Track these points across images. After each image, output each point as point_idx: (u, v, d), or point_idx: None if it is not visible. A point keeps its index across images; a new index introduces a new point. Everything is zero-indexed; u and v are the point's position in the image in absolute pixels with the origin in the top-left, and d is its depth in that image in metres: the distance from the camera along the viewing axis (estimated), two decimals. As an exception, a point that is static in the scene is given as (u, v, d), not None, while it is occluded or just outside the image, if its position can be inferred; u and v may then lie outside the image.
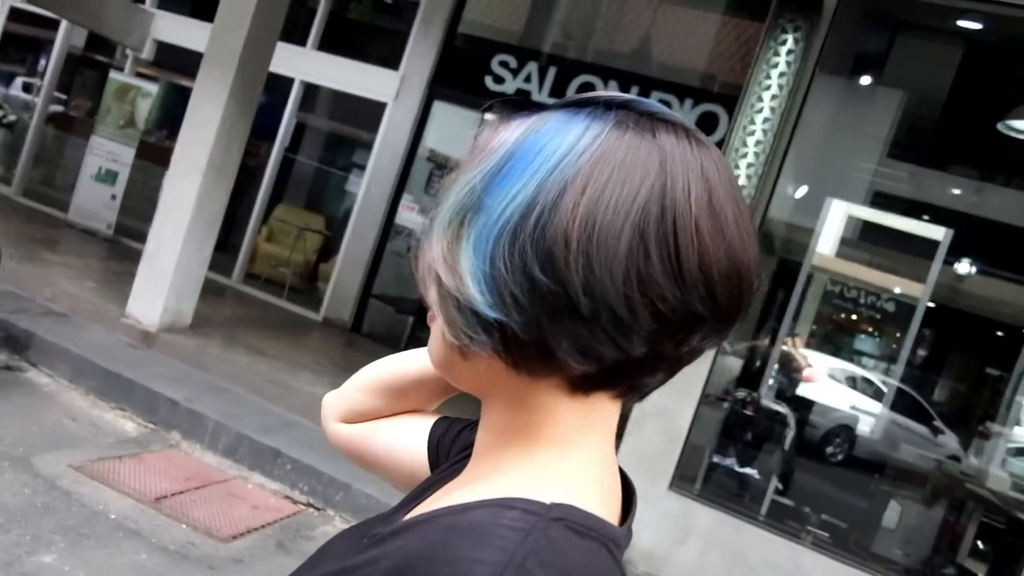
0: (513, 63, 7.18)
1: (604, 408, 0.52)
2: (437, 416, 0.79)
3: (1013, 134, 6.12)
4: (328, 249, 8.99)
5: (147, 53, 8.92)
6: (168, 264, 5.05)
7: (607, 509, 0.50)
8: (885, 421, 5.65)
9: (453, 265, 0.49)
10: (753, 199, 3.66)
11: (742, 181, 3.64)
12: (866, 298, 4.86)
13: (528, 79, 7.11)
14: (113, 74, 8.67)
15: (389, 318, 7.92)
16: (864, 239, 6.28)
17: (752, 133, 3.65)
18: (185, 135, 5.11)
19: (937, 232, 5.85)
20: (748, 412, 3.92)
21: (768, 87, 3.60)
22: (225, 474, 4.00)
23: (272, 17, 5.15)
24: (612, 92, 0.53)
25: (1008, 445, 5.41)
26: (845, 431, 5.19)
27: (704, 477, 4.01)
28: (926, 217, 6.25)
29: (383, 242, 7.58)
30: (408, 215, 7.61)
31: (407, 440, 0.77)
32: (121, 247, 8.20)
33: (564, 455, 0.51)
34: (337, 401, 0.83)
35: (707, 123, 6.53)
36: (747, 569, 3.70)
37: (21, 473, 3.31)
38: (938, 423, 6.08)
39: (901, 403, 6.16)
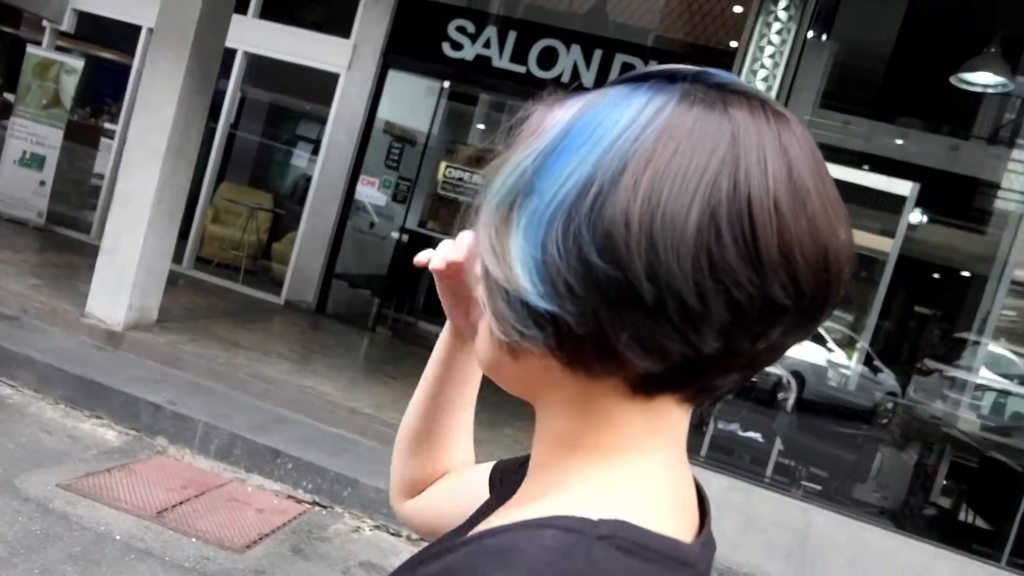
0: (471, 28, 6.95)
1: (671, 414, 0.47)
2: (493, 463, 0.72)
3: (965, 87, 6.31)
4: (280, 228, 8.65)
5: (67, 25, 8.27)
6: (130, 258, 4.73)
7: (676, 523, 0.45)
8: (860, 374, 5.86)
9: (502, 254, 0.45)
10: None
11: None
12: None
13: (487, 45, 6.90)
14: (31, 49, 8.01)
15: (353, 297, 7.71)
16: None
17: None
18: (140, 119, 4.75)
19: (902, 186, 6.03)
20: (753, 379, 3.96)
21: (768, 52, 3.56)
22: (221, 478, 3.81)
23: (225, -13, 4.80)
24: (681, 65, 0.47)
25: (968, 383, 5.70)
26: (832, 387, 5.34)
27: (711, 445, 4.05)
28: (865, 167, 6.43)
29: (343, 219, 7.32)
30: (368, 191, 7.36)
31: (476, 490, 0.69)
32: (56, 237, 7.68)
33: (624, 465, 0.46)
34: (394, 480, 0.78)
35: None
36: (759, 531, 3.78)
37: (9, 498, 3.07)
38: (882, 366, 6.37)
39: (870, 354, 6.41)
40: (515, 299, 0.44)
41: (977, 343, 5.64)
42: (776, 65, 3.51)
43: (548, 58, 6.75)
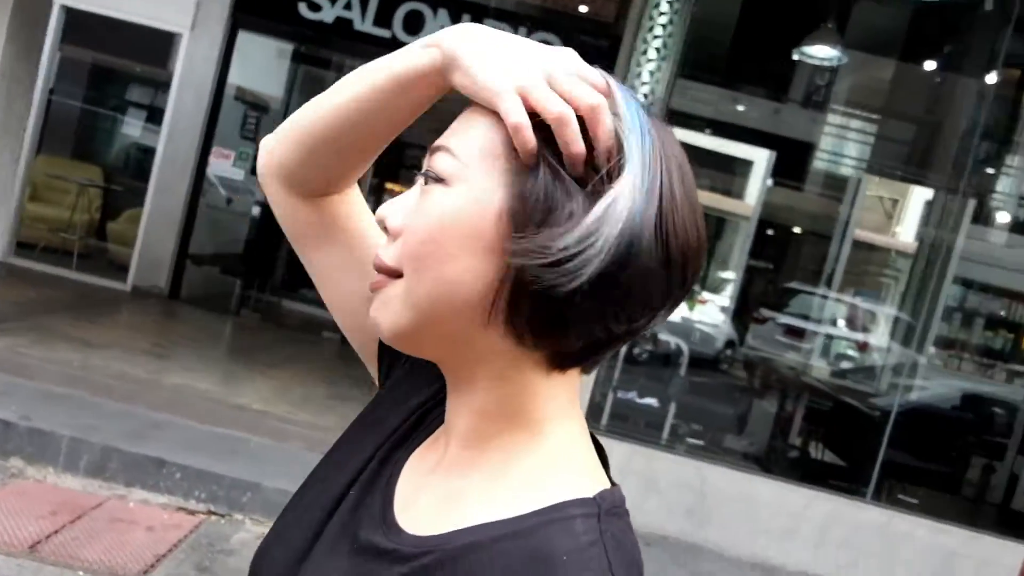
0: (329, -12, 6.52)
1: (577, 380, 0.54)
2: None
3: (805, 59, 6.81)
4: (114, 206, 7.80)
5: None
6: (-49, 251, 4.06)
7: (603, 472, 0.53)
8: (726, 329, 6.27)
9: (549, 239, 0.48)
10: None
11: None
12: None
13: (348, 6, 6.52)
14: None
15: (211, 280, 7.15)
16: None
17: (642, 74, 3.66)
18: (-50, 88, 4.04)
19: (755, 153, 6.45)
20: (648, 347, 4.12)
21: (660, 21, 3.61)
22: (97, 497, 3.42)
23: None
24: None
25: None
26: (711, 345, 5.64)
27: (613, 414, 4.18)
28: (708, 131, 6.84)
29: (195, 196, 6.72)
30: (222, 164, 6.79)
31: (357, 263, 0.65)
32: None
33: (566, 431, 0.52)
34: (277, 151, 0.65)
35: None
36: (659, 493, 3.96)
37: None
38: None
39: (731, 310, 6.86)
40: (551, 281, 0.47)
41: (825, 297, 6.21)
42: (669, 36, 3.57)
43: (414, 22, 6.50)
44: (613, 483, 0.52)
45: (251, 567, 0.60)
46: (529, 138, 0.48)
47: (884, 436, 3.99)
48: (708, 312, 9.47)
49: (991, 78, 5.93)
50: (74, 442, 3.52)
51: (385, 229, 0.52)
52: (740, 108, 7.11)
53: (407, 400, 0.61)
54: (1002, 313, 6.77)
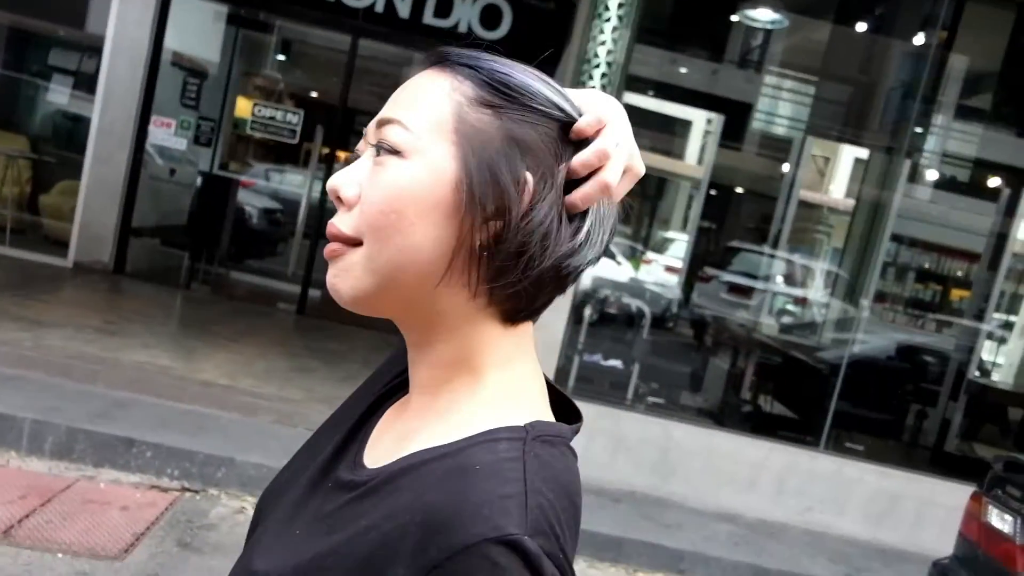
0: (269, -54, 6.29)
1: (528, 330, 0.60)
2: None
3: (749, 23, 6.94)
4: (44, 178, 7.43)
5: None
6: None
7: (549, 412, 0.59)
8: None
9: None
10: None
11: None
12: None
13: (290, -34, 6.30)
14: None
15: (157, 254, 6.93)
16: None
17: (603, 43, 3.69)
18: None
19: (700, 115, 6.54)
20: (611, 311, 4.22)
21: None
22: (65, 479, 3.34)
23: None
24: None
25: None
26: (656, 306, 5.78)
27: (580, 377, 4.28)
28: (652, 93, 6.95)
29: (136, 167, 6.46)
30: (162, 133, 6.53)
31: None
32: None
33: (511, 375, 0.57)
34: None
35: (492, 16, 6.41)
36: (627, 450, 4.11)
37: None
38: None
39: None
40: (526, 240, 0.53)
41: (772, 256, 6.43)
42: (629, 3, 3.60)
43: (358, -16, 6.33)
44: (568, 423, 0.58)
45: (258, 501, 0.69)
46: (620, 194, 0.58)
47: (835, 389, 4.22)
48: (656, 273, 9.69)
49: (919, 39, 6.19)
50: (37, 424, 3.42)
51: (339, 199, 0.55)
52: (683, 71, 7.22)
53: (401, 362, 0.66)
54: (931, 267, 7.16)
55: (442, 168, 0.52)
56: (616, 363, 4.35)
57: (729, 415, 5.10)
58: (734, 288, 8.51)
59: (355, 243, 0.54)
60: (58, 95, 8.39)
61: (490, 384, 0.56)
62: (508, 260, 0.53)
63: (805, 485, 4.03)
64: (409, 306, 0.56)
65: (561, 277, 0.55)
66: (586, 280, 4.70)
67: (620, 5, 3.63)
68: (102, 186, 6.34)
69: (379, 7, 6.35)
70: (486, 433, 0.52)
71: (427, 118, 0.53)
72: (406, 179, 0.52)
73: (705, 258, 8.40)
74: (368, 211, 0.53)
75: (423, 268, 0.53)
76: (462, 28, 6.37)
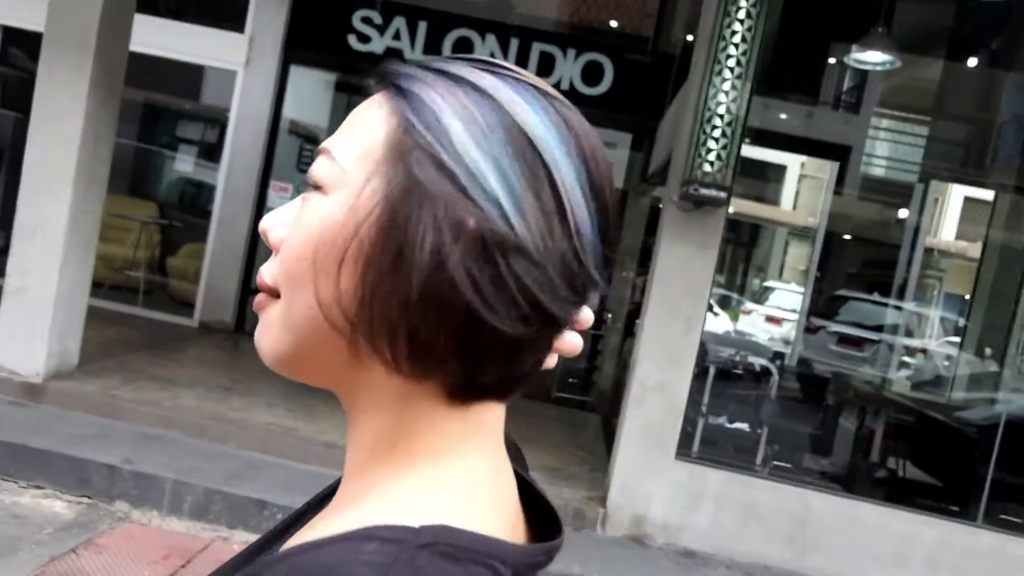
0: (378, 19, 6.59)
1: (492, 412, 0.47)
2: None
3: (856, 65, 6.74)
4: (171, 241, 7.92)
5: None
6: (44, 298, 4.13)
7: (501, 521, 0.45)
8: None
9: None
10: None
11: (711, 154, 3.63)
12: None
13: (397, 36, 6.58)
14: None
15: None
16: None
17: (721, 97, 3.63)
18: (37, 136, 4.12)
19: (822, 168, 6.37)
20: (737, 371, 4.07)
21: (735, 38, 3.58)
22: (201, 540, 3.44)
23: (129, -17, 4.25)
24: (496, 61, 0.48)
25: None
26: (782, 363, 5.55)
27: (704, 440, 4.12)
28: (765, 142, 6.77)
29: (256, 230, 6.78)
30: (279, 197, 6.86)
31: None
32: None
33: (443, 467, 0.45)
34: None
35: (594, 73, 6.48)
36: (759, 519, 3.89)
37: (-26, 609, 2.60)
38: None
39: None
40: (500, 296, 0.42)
41: (899, 308, 6.08)
42: (743, 55, 3.54)
43: (463, 48, 6.53)
44: (536, 540, 0.47)
45: None
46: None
47: (990, 454, 3.88)
48: (756, 324, 9.32)
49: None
50: (177, 485, 3.54)
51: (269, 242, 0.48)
52: (784, 116, 7.06)
53: None
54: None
55: (360, 206, 0.43)
56: (742, 425, 4.17)
57: (861, 481, 4.78)
58: (844, 339, 8.09)
59: (276, 294, 0.46)
60: (183, 163, 9.00)
61: (413, 475, 0.45)
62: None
63: (963, 563, 3.69)
64: (332, 373, 0.47)
65: (502, 345, 0.43)
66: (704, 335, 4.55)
67: (738, 60, 3.58)
68: (225, 249, 6.69)
69: (484, 69, 6.53)
70: (364, 530, 0.40)
71: (356, 145, 0.45)
72: (318, 219, 0.44)
73: (816, 307, 8.05)
74: (284, 258, 0.46)
75: (340, 328, 0.44)
76: (564, 85, 6.46)
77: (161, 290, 7.54)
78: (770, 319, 10.28)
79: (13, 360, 4.16)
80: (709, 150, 3.49)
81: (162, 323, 6.56)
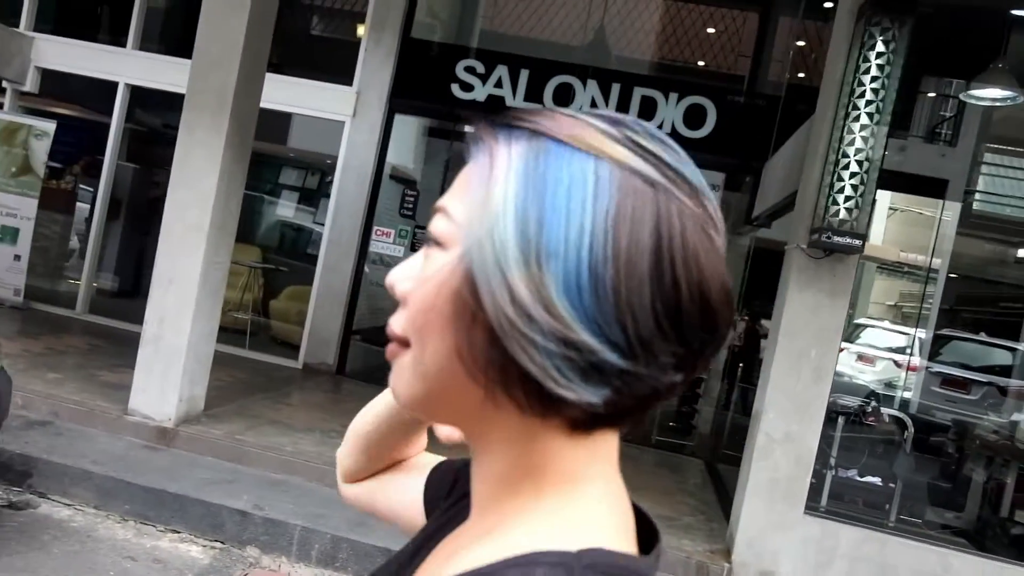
0: (480, 68, 6.76)
1: (607, 441, 0.50)
2: (435, 462, 0.77)
3: (973, 101, 6.48)
4: (274, 285, 8.22)
5: (30, 85, 7.69)
6: (177, 345, 4.33)
7: (628, 540, 0.49)
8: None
9: (545, 308, 0.43)
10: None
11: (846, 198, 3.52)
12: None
13: (499, 84, 6.72)
14: (-6, 113, 7.41)
15: (371, 355, 7.36)
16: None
17: (855, 140, 3.53)
18: (177, 193, 4.36)
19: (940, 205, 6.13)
20: (870, 423, 3.89)
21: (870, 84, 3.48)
22: (331, 587, 3.47)
23: (261, 47, 4.49)
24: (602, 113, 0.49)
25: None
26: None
27: (833, 494, 3.94)
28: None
29: (358, 274, 6.98)
30: (383, 242, 7.04)
31: (408, 495, 0.76)
32: (40, 316, 7.08)
33: (575, 494, 0.48)
34: (340, 462, 0.84)
35: (696, 116, 6.44)
36: (898, 582, 3.67)
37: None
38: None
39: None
40: (569, 354, 0.43)
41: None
42: (881, 100, 3.44)
43: (564, 95, 6.62)
44: (645, 551, 0.50)
45: None
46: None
47: None
48: (847, 362, 8.91)
49: None
50: (305, 531, 3.60)
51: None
52: (898, 156, 6.82)
53: (457, 491, 0.65)
54: None
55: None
56: (874, 479, 3.96)
57: (995, 537, 4.46)
58: (949, 381, 7.65)
59: (406, 343, 0.49)
60: (286, 209, 9.38)
61: (549, 503, 0.48)
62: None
63: None
64: (461, 414, 0.50)
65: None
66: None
67: (877, 107, 3.48)
68: (330, 293, 6.88)
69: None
70: (528, 556, 0.44)
71: (471, 202, 0.46)
72: (441, 274, 0.46)
73: (919, 346, 7.67)
74: (411, 309, 0.48)
75: (466, 375, 0.46)
76: (665, 129, 6.44)
77: (264, 332, 7.82)
78: (862, 358, 9.84)
79: (148, 405, 4.35)
80: (844, 197, 3.39)
81: (268, 365, 6.77)
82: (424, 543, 0.60)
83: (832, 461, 3.93)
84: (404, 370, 0.50)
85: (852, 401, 4.06)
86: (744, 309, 6.74)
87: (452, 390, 0.48)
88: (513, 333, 0.43)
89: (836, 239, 3.39)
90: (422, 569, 0.54)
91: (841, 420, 3.99)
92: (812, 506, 3.84)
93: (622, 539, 0.48)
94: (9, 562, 3.16)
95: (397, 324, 0.50)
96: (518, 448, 0.48)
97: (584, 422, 0.47)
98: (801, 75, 6.86)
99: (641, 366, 0.44)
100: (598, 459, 0.49)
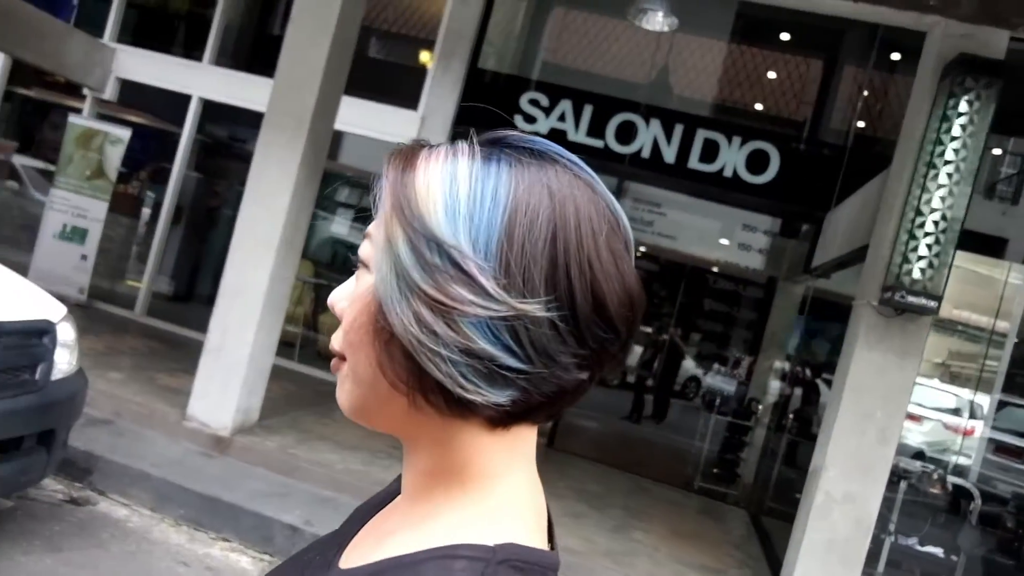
0: (544, 101, 6.84)
1: (525, 436, 0.54)
2: None
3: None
4: (323, 299, 8.35)
5: (109, 93, 8.00)
6: (239, 357, 4.41)
7: (540, 535, 0.53)
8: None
9: (446, 323, 0.48)
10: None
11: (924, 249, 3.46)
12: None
13: (562, 118, 6.79)
14: (74, 118, 7.71)
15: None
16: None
17: (932, 200, 3.48)
18: (250, 208, 4.48)
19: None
20: (934, 490, 3.79)
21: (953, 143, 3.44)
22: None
23: (340, 72, 4.62)
24: (504, 132, 0.55)
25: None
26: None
27: (891, 561, 3.82)
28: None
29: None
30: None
31: None
32: (102, 315, 7.29)
33: (496, 489, 0.52)
34: None
35: (758, 161, 6.42)
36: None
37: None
38: None
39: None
40: (472, 363, 0.48)
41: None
42: (963, 160, 3.39)
43: (627, 132, 6.66)
44: (552, 548, 0.54)
45: None
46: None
47: None
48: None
49: None
50: (354, 552, 3.61)
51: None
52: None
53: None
54: None
55: None
56: (935, 550, 3.84)
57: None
58: (1002, 449, 7.39)
59: (343, 358, 0.54)
60: (340, 227, 9.56)
61: (471, 497, 0.52)
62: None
63: None
64: (394, 422, 0.54)
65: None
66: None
67: (956, 166, 3.44)
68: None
69: (645, 152, 6.60)
70: (450, 548, 0.48)
71: (382, 226, 0.51)
72: (365, 296, 0.52)
73: (970, 408, 7.43)
74: (344, 327, 0.54)
75: (389, 384, 0.51)
76: (727, 173, 6.43)
77: (311, 345, 7.93)
78: (909, 416, 9.58)
79: (206, 413, 4.43)
80: (919, 256, 3.34)
81: (316, 379, 6.85)
82: (358, 522, 0.64)
83: (891, 527, 3.81)
84: (343, 382, 0.55)
85: (914, 465, 3.95)
86: (798, 360, 6.63)
87: (381, 399, 0.52)
88: (422, 349, 0.48)
89: (910, 299, 3.33)
90: (353, 551, 0.58)
91: (903, 484, 3.88)
92: (868, 572, 3.73)
93: (535, 534, 0.52)
94: (70, 557, 3.23)
95: (336, 341, 0.55)
96: (443, 447, 0.52)
97: (500, 420, 0.51)
98: (866, 125, 6.80)
99: (541, 368, 0.48)
100: (517, 455, 0.53)
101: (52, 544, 3.29)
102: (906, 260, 3.39)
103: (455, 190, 0.49)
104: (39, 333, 3.07)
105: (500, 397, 0.48)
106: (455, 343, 0.47)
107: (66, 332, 3.24)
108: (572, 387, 0.50)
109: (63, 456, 3.38)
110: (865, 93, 6.87)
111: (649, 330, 10.40)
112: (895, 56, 6.71)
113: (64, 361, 3.19)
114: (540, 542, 0.52)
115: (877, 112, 6.88)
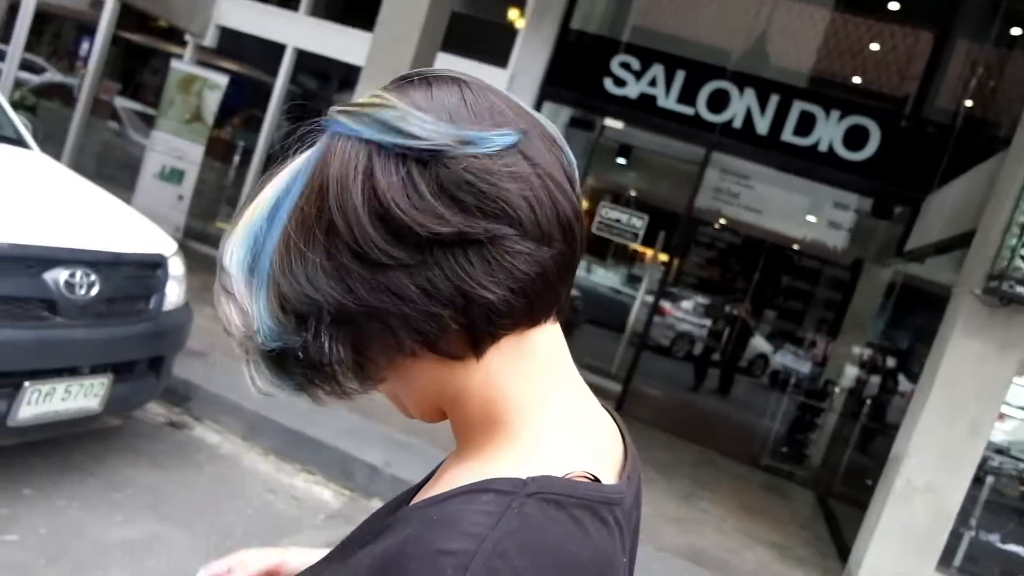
0: (636, 65, 6.72)
1: (544, 362, 0.54)
2: None
3: None
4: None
5: (209, 40, 8.26)
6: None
7: (593, 461, 0.51)
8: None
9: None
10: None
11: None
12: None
13: (653, 83, 6.67)
14: (176, 63, 8.01)
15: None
16: None
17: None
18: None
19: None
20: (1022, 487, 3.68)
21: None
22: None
23: (437, 27, 4.65)
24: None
25: None
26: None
27: (969, 556, 3.74)
28: None
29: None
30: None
31: None
32: (197, 254, 7.63)
33: (528, 422, 0.52)
34: None
35: (857, 137, 6.18)
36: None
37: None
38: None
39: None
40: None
41: None
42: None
43: (719, 101, 6.50)
44: (595, 478, 0.50)
45: None
46: None
47: None
48: None
49: None
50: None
51: None
52: None
53: None
54: None
55: None
56: (1018, 548, 3.72)
57: None
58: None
59: (388, 395, 0.59)
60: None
61: (508, 432, 0.52)
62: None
63: None
64: (427, 398, 0.56)
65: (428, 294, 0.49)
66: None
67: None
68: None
69: (737, 122, 6.44)
70: (480, 483, 0.47)
71: None
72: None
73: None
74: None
75: (403, 366, 0.54)
76: (822, 147, 6.22)
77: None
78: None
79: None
80: (1032, 245, 3.19)
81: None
82: (412, 491, 0.65)
83: (973, 521, 3.72)
84: (395, 405, 0.61)
85: (1009, 463, 3.80)
86: (880, 346, 6.44)
87: (413, 389, 0.56)
88: (387, 315, 0.50)
89: (1020, 289, 3.19)
90: (423, 490, 0.59)
91: (990, 479, 3.76)
92: (944, 564, 3.66)
93: (587, 463, 0.50)
94: (170, 475, 3.47)
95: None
96: (466, 396, 0.53)
97: (510, 326, 0.50)
98: (976, 104, 6.44)
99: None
100: (545, 384, 0.53)
101: (156, 462, 3.54)
102: (1018, 249, 3.24)
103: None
104: (153, 266, 3.26)
105: (492, 294, 0.48)
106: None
107: (176, 266, 3.43)
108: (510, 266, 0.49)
109: (167, 383, 3.61)
110: (980, 70, 6.50)
111: (715, 303, 10.25)
112: (1016, 31, 6.30)
113: (174, 293, 3.38)
114: (586, 468, 0.50)
115: (990, 91, 6.50)
